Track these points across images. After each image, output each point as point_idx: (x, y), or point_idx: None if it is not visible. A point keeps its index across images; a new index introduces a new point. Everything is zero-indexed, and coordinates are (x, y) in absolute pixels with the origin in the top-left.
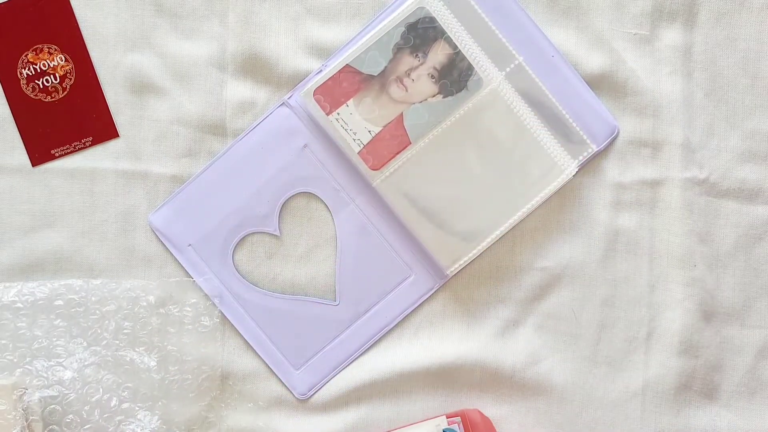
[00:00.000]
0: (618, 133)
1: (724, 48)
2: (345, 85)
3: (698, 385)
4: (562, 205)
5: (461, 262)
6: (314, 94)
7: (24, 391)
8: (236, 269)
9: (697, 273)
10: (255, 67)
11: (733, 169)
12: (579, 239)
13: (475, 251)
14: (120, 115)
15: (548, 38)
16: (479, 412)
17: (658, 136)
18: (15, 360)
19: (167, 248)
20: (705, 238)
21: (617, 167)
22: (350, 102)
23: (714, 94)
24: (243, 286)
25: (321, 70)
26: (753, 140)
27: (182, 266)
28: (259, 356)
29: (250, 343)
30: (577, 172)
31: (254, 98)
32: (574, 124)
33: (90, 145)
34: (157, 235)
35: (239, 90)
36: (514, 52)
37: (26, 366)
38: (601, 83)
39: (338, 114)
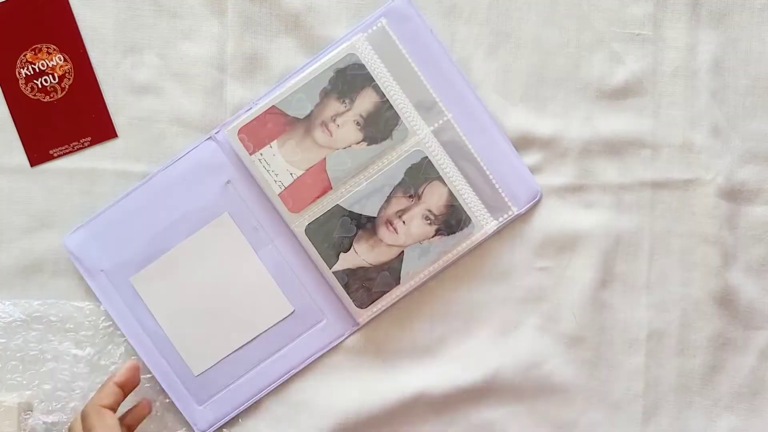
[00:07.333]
0: (540, 197)
1: (726, 49)
2: (270, 126)
3: (699, 386)
4: (562, 205)
5: (374, 310)
6: (239, 133)
7: (30, 414)
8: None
9: (698, 274)
10: (254, 67)
11: (734, 170)
12: (579, 241)
13: (390, 299)
14: (119, 116)
15: (479, 98)
16: None
17: (659, 137)
18: (24, 382)
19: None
20: (706, 240)
21: (617, 169)
22: (274, 143)
23: (715, 96)
24: (151, 317)
25: (251, 107)
26: (754, 141)
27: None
28: (164, 390)
29: (156, 376)
30: (494, 231)
31: (254, 99)
32: (497, 186)
33: (89, 146)
34: (70, 259)
35: (239, 91)
36: (443, 108)
37: (34, 388)
38: (601, 85)
39: (261, 154)
